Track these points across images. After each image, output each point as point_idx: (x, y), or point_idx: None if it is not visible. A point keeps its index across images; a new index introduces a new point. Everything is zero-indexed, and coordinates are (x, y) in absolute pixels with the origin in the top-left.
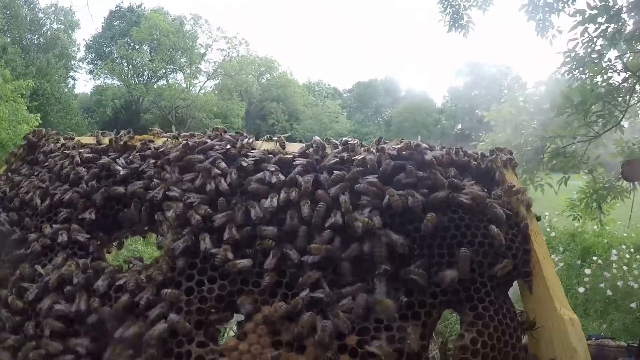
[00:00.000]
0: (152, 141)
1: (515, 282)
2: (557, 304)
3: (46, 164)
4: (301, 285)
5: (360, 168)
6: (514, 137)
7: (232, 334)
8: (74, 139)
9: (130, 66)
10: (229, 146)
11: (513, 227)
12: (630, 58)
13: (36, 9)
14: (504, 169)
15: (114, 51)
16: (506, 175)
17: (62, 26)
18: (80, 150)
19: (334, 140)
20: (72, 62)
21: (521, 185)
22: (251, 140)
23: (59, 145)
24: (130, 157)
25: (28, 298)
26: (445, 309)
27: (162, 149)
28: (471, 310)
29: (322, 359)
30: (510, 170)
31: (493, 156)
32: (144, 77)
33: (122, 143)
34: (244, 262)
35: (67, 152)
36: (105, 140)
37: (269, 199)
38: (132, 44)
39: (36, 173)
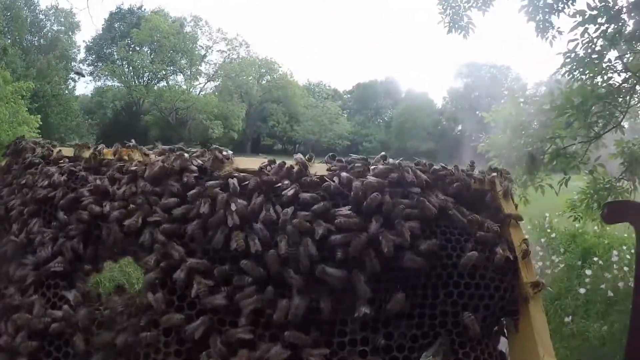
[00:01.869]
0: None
1: None
2: (540, 351)
3: (23, 181)
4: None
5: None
6: (514, 138)
7: None
8: (52, 150)
9: (131, 68)
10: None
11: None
12: (631, 58)
13: (37, 11)
14: (499, 193)
15: (115, 53)
16: (502, 201)
17: (63, 28)
18: (55, 170)
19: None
20: (73, 63)
21: (516, 213)
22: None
23: (37, 159)
24: (109, 173)
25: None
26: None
27: (136, 169)
28: (453, 355)
29: None
30: (507, 195)
31: (488, 177)
32: (145, 78)
33: (99, 159)
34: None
35: (45, 169)
36: (84, 154)
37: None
38: (132, 46)
39: (16, 187)
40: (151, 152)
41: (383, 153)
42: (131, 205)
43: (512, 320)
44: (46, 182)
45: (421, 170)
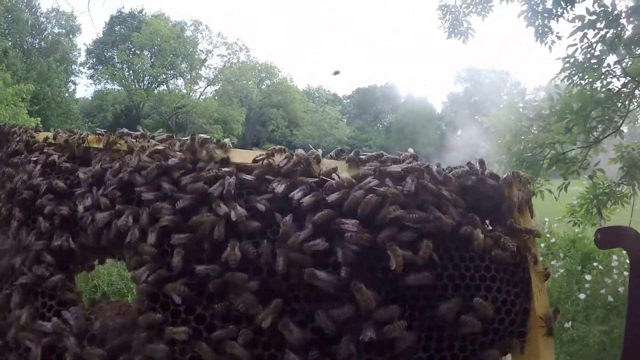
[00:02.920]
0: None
1: None
2: None
3: (6, 171)
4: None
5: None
6: (514, 143)
7: None
8: (34, 137)
9: (131, 71)
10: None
11: (517, 284)
12: (630, 63)
13: (38, 13)
14: (516, 203)
15: (115, 56)
16: (521, 213)
17: (64, 31)
18: (37, 163)
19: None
20: (73, 66)
21: (535, 229)
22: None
23: (21, 146)
24: (94, 166)
25: None
26: None
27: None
28: None
29: None
30: (525, 205)
31: (508, 181)
32: (145, 82)
33: (84, 147)
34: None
35: (27, 161)
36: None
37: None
38: (133, 49)
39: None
40: (140, 141)
41: (412, 151)
42: (118, 207)
43: (518, 341)
44: (26, 178)
45: (437, 172)
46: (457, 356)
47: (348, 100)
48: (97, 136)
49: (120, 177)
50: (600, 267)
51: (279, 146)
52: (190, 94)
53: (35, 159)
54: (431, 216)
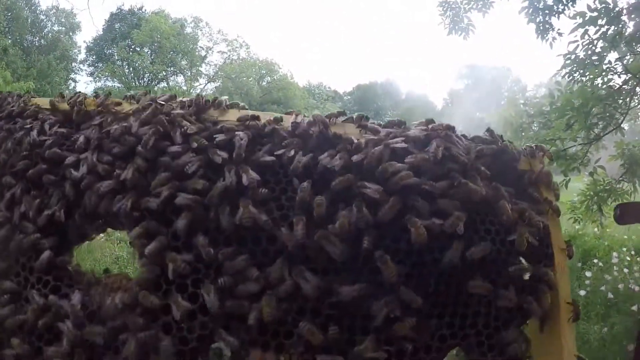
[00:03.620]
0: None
1: None
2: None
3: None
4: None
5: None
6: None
7: None
8: (27, 104)
9: (131, 69)
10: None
11: (541, 259)
12: (631, 60)
13: (37, 11)
14: (538, 174)
15: (115, 54)
16: (542, 184)
17: (63, 28)
18: (33, 130)
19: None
20: (73, 64)
21: (556, 204)
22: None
23: (15, 112)
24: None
25: None
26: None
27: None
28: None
29: None
30: (546, 179)
31: (530, 153)
32: (145, 79)
33: (83, 112)
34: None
35: (21, 127)
36: (64, 106)
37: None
38: (132, 47)
39: None
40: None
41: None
42: (117, 171)
43: (539, 322)
44: (20, 146)
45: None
46: (481, 333)
47: (349, 97)
48: (94, 99)
49: (122, 141)
50: (600, 264)
51: (294, 110)
52: (191, 90)
53: (29, 125)
54: (459, 184)
